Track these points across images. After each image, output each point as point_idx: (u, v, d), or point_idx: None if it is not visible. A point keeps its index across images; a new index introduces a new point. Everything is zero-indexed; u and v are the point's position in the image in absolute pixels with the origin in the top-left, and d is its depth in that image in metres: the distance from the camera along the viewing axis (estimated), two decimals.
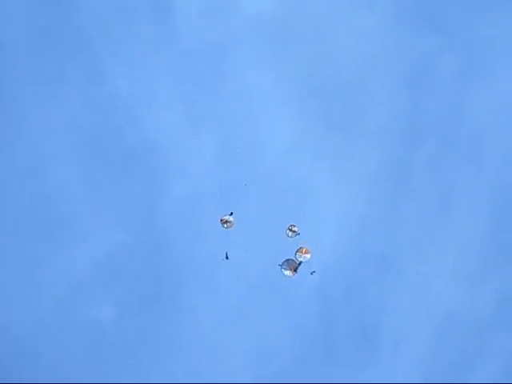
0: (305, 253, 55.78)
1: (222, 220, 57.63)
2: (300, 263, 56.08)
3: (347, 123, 67.08)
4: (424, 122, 66.69)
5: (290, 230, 57.15)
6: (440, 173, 66.12)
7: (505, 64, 66.97)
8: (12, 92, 65.72)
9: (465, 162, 66.21)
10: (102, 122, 66.75)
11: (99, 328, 63.71)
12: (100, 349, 63.56)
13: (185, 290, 64.81)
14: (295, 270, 55.93)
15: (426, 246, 65.46)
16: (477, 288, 64.85)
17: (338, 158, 66.58)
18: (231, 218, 57.57)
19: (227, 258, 57.76)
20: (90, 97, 66.89)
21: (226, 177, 65.97)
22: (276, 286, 64.52)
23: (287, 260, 56.27)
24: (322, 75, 67.58)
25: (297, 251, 56.04)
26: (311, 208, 66.06)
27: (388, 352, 64.80)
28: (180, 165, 66.20)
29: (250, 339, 64.52)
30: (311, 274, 55.80)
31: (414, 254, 65.45)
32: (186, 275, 64.90)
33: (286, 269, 56.39)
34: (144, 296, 64.56)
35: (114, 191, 65.67)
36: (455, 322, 64.52)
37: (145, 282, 64.75)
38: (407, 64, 67.40)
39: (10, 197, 64.61)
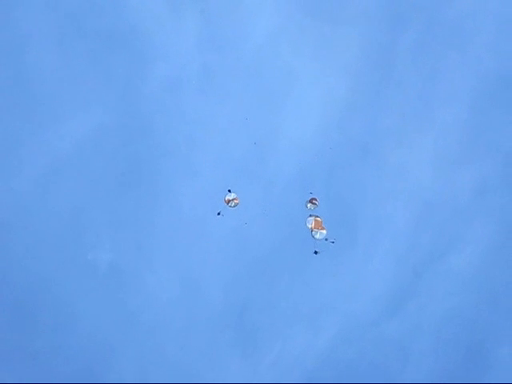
0: (321, 229, 56.18)
1: (226, 201, 57.49)
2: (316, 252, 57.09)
3: (331, 9, 66.23)
4: (408, 8, 65.89)
5: (311, 203, 57.40)
6: (423, 60, 65.61)
7: None
8: None
9: (448, 49, 65.64)
10: (83, 2, 65.70)
11: (78, 208, 63.85)
12: (77, 229, 63.76)
13: (164, 173, 64.79)
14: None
15: (406, 133, 65.37)
16: (456, 175, 64.96)
17: (321, 45, 65.93)
18: (233, 195, 57.36)
19: (219, 214, 58.06)
20: None
21: (209, 61, 65.58)
22: (255, 171, 64.63)
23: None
24: None
25: (312, 229, 56.43)
26: (294, 94, 65.79)
27: (367, 239, 65.26)
28: (163, 48, 65.46)
29: (230, 225, 64.57)
30: (332, 242, 56.44)
31: (394, 142, 65.41)
32: (166, 158, 64.84)
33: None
34: (123, 178, 64.49)
35: (95, 73, 64.96)
36: (433, 209, 64.79)
37: (124, 165, 64.61)
38: None
39: None
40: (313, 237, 56.45)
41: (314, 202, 57.62)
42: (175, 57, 65.51)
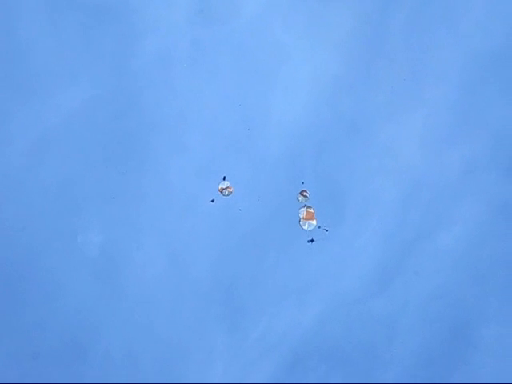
0: (311, 220, 56.03)
1: (220, 189, 57.15)
2: (312, 240, 57.04)
3: None
4: None
5: (302, 195, 57.24)
6: (415, 38, 65.47)
7: None
8: None
9: (440, 27, 65.51)
10: None
11: (67, 183, 63.64)
12: (67, 205, 63.59)
13: (153, 148, 64.59)
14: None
15: (396, 111, 65.24)
16: (445, 154, 64.98)
17: (311, 20, 65.72)
18: (227, 183, 57.10)
19: (212, 201, 57.81)
20: None
21: (200, 35, 65.31)
22: (245, 147, 64.48)
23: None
24: None
25: (300, 219, 56.35)
26: (284, 70, 65.58)
27: (354, 217, 65.20)
28: (153, 21, 65.18)
29: (218, 202, 64.49)
30: (326, 231, 56.36)
31: (384, 119, 65.29)
32: (155, 133, 64.63)
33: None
34: (112, 153, 64.28)
35: (85, 46, 64.68)
36: (422, 188, 64.80)
37: (113, 139, 64.38)
38: None
39: None
40: (301, 227, 56.49)
41: (304, 194, 57.63)
42: (166, 31, 65.24)
